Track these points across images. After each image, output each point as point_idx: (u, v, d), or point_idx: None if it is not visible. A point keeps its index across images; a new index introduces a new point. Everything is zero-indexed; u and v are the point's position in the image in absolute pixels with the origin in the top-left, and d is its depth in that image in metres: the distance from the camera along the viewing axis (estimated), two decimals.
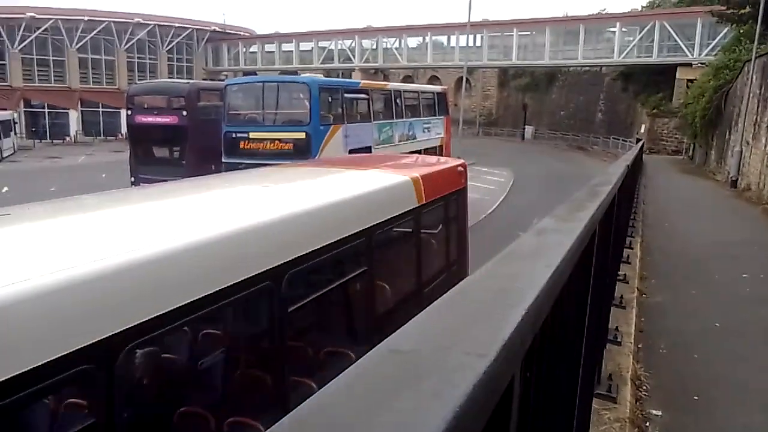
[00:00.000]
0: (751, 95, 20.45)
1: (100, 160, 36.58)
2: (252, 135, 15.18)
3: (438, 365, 0.55)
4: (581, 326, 2.11)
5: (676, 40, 41.19)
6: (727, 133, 24.71)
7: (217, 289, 3.22)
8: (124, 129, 36.88)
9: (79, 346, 2.51)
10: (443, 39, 54.01)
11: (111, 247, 3.03)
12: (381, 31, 55.48)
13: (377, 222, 5.21)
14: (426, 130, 21.23)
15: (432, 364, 0.55)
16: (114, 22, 53.07)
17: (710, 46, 38.80)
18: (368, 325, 5.36)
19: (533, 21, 48.29)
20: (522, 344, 0.71)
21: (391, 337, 0.60)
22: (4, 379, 2.21)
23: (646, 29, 42.56)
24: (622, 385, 4.31)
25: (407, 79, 58.40)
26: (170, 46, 58.50)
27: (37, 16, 47.84)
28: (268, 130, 15.25)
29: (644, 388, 4.97)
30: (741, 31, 27.79)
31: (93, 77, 54.06)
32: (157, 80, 45.29)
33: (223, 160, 15.37)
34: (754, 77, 20.16)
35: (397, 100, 19.44)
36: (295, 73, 48.53)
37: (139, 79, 48.48)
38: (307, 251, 4.08)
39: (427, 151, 21.15)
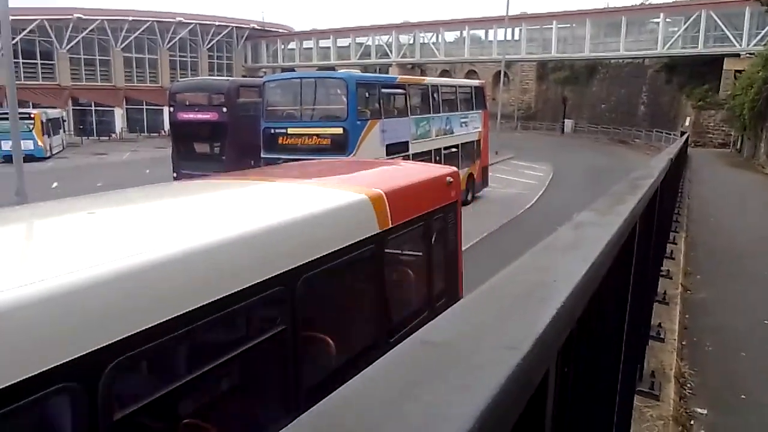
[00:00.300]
0: None
1: (144, 156, 37.47)
2: (290, 131, 15.34)
3: (469, 358, 0.55)
4: (621, 322, 2.07)
5: (723, 30, 39.83)
6: None
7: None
8: (166, 126, 37.78)
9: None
10: (481, 33, 53.46)
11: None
12: (418, 25, 55.25)
13: (306, 261, 3.82)
14: (463, 125, 21.09)
15: (463, 356, 0.55)
16: (157, 21, 54.25)
17: (759, 36, 37.41)
18: (287, 405, 3.91)
19: (573, 13, 47.40)
20: (557, 339, 0.70)
21: (424, 328, 0.60)
22: None
23: (691, 19, 41.29)
24: (665, 383, 4.23)
25: (444, 73, 58.08)
26: (210, 44, 59.48)
27: (84, 17, 49.18)
28: (305, 126, 15.39)
29: (689, 385, 4.85)
30: None
31: (137, 76, 55.42)
32: (198, 78, 46.12)
33: (262, 155, 15.58)
34: None
35: (434, 95, 19.35)
36: (332, 69, 48.80)
37: (180, 77, 49.43)
38: (146, 327, 2.68)
39: (465, 146, 21.04)
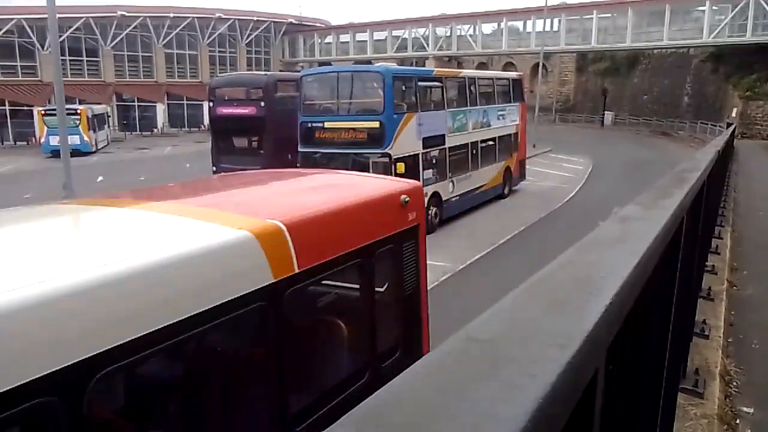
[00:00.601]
0: None
1: (184, 151, 38.23)
2: (327, 125, 15.41)
3: (518, 355, 0.53)
4: (666, 318, 2.02)
5: None
6: None
7: None
8: (206, 120, 38.42)
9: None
10: (519, 24, 52.73)
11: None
12: (455, 18, 54.77)
13: (111, 348, 2.55)
14: (501, 117, 20.88)
15: (512, 354, 0.53)
16: (197, 17, 55.15)
17: None
18: None
19: (614, 2, 46.27)
20: (607, 336, 0.68)
21: (470, 325, 0.59)
22: None
23: (739, 7, 39.86)
24: (710, 380, 4.12)
25: (481, 66, 57.52)
26: (249, 39, 60.17)
27: (128, 15, 50.33)
28: (342, 120, 15.44)
29: (734, 384, 4.72)
30: None
31: (178, 71, 56.49)
32: (236, 73, 46.76)
33: (299, 149, 15.71)
34: None
35: (471, 88, 19.19)
36: (369, 62, 48.82)
37: (220, 72, 50.23)
38: None
39: (502, 139, 20.83)
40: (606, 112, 53.48)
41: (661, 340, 1.97)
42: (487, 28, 54.00)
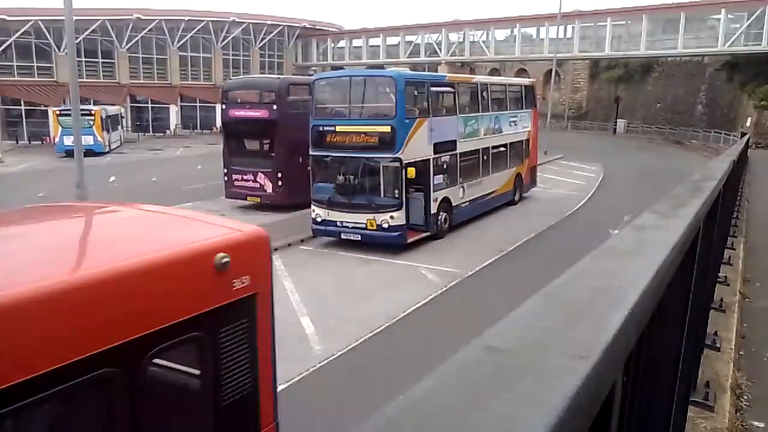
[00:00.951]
0: None
1: (196, 152, 38.45)
2: (338, 128, 15.41)
3: (536, 366, 0.51)
4: (680, 330, 1.99)
5: None
6: None
7: None
8: (218, 122, 38.63)
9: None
10: (532, 31, 52.54)
11: None
12: (468, 24, 54.73)
13: None
14: (513, 124, 20.82)
15: (530, 364, 0.52)
16: (211, 21, 55.58)
17: None
18: None
19: (629, 9, 46.07)
20: (626, 347, 0.66)
21: (486, 333, 0.58)
22: None
23: (755, 16, 39.56)
24: (720, 394, 4.06)
25: (494, 72, 57.48)
26: (262, 42, 60.51)
27: (143, 17, 50.78)
28: (354, 124, 15.43)
29: (745, 397, 4.64)
30: None
31: (192, 74, 56.89)
32: (249, 76, 47.01)
33: (311, 153, 15.73)
34: None
35: (483, 93, 19.15)
36: (381, 67, 48.86)
37: (233, 75, 50.48)
38: None
39: (513, 146, 20.77)
40: (619, 120, 53.20)
41: (675, 352, 1.94)
42: (500, 34, 53.93)
